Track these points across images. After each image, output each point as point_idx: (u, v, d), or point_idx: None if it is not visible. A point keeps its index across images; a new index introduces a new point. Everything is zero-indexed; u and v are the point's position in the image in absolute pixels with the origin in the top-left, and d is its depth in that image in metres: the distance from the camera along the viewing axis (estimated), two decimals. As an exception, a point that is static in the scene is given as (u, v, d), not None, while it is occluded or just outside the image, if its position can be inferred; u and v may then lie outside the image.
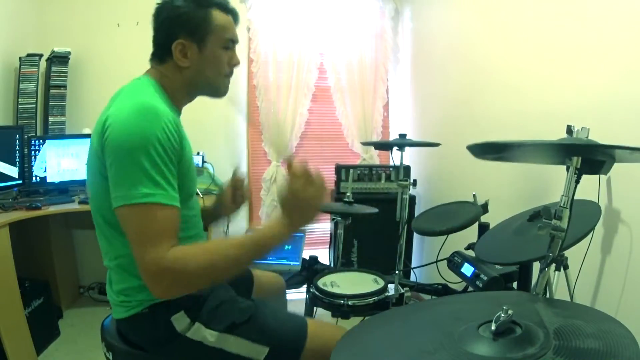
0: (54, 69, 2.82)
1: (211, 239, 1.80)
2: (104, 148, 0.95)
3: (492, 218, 1.77)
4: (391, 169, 3.01)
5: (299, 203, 0.99)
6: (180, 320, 1.07)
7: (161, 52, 1.10)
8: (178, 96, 1.14)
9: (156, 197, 0.91)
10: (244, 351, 1.08)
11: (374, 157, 3.43)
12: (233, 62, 1.17)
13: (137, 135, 0.91)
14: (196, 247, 0.97)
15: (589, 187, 1.53)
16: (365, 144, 3.12)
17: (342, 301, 1.56)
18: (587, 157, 0.94)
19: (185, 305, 1.08)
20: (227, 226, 3.15)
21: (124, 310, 1.08)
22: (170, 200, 0.94)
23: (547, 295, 1.17)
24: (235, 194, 1.40)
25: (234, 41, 1.16)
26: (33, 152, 2.61)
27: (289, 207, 1.00)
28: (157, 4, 1.10)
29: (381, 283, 1.71)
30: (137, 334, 1.11)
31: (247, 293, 1.42)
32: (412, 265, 3.02)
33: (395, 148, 2.02)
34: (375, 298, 1.61)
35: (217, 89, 1.17)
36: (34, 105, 2.75)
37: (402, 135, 2.02)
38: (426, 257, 3.14)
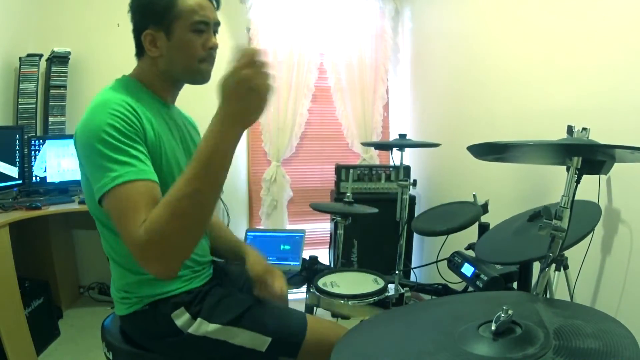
0: (54, 69, 2.82)
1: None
2: (77, 153, 1.00)
3: (492, 218, 1.77)
4: (391, 169, 3.01)
5: (238, 82, 0.82)
6: (181, 317, 1.08)
7: (138, 46, 1.10)
8: (159, 86, 1.13)
9: (125, 175, 0.89)
10: (247, 342, 1.09)
11: (374, 157, 3.43)
12: (208, 45, 1.08)
13: (90, 128, 0.93)
14: (156, 207, 0.86)
15: (589, 187, 1.53)
16: (365, 144, 3.12)
17: (342, 301, 1.56)
18: (588, 157, 0.94)
19: (185, 301, 1.09)
20: (228, 225, 3.16)
21: (125, 307, 1.09)
22: (141, 175, 0.90)
23: (547, 295, 1.17)
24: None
25: (206, 22, 1.06)
26: (33, 152, 2.61)
27: (227, 89, 0.84)
28: None
29: (381, 283, 1.71)
30: (138, 330, 1.11)
31: (249, 292, 1.42)
32: (412, 266, 3.02)
33: (395, 148, 2.02)
34: (375, 298, 1.61)
35: (195, 76, 1.11)
36: (34, 106, 2.75)
37: (402, 136, 2.03)
38: (426, 257, 3.14)
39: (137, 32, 1.07)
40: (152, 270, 0.87)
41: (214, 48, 1.10)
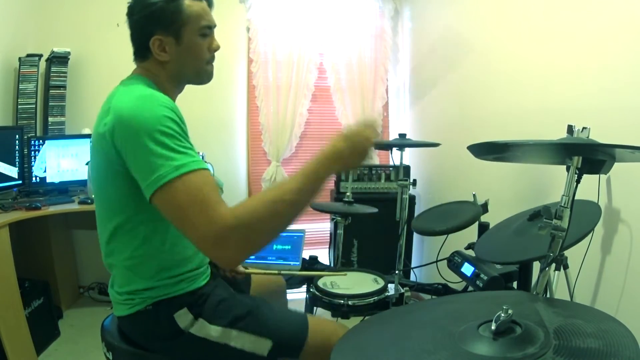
0: (53, 69, 2.82)
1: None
2: (115, 144, 0.94)
3: (492, 218, 1.77)
4: (391, 168, 3.01)
5: (363, 143, 1.00)
6: (183, 317, 1.07)
7: (142, 51, 1.10)
8: (167, 89, 1.14)
9: (188, 165, 0.90)
10: (248, 345, 1.08)
11: (374, 157, 3.43)
12: (213, 47, 1.15)
13: (147, 118, 0.92)
14: (253, 200, 0.93)
15: (589, 186, 1.53)
16: (365, 144, 3.12)
17: (342, 301, 1.56)
18: (588, 156, 0.94)
19: (187, 302, 1.09)
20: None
21: (127, 307, 1.09)
22: (202, 165, 0.93)
23: (547, 295, 1.17)
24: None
25: (210, 27, 1.12)
26: (33, 152, 2.61)
27: (353, 141, 1.00)
28: (128, 2, 1.09)
29: (381, 283, 1.71)
30: (139, 331, 1.11)
31: (246, 291, 1.42)
32: (412, 265, 3.02)
33: (395, 148, 2.02)
34: (375, 298, 1.61)
35: (202, 77, 1.16)
36: (34, 106, 2.74)
37: (402, 135, 2.03)
38: (426, 257, 3.14)
39: (144, 38, 1.07)
40: (223, 257, 0.90)
41: (217, 50, 1.16)
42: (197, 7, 1.08)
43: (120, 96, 0.99)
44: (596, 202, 1.47)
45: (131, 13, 1.08)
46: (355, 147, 0.99)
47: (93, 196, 1.31)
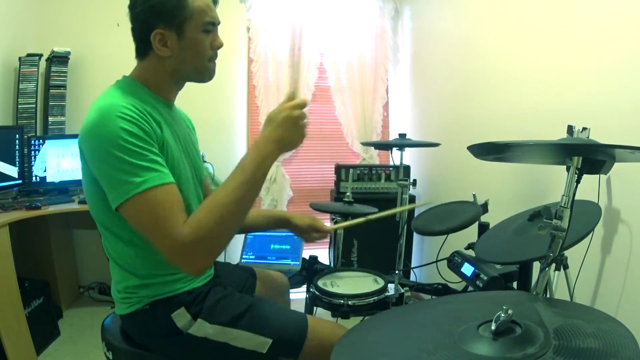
0: (53, 69, 2.82)
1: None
2: (84, 154, 0.99)
3: (492, 218, 1.77)
4: (391, 168, 3.01)
5: (287, 117, 1.02)
6: (181, 317, 1.07)
7: (142, 46, 1.08)
8: (165, 87, 1.13)
9: (150, 181, 0.91)
10: (248, 344, 1.09)
11: (374, 157, 3.43)
12: (216, 45, 1.12)
13: (102, 133, 0.93)
14: (201, 210, 0.95)
15: (589, 186, 1.53)
16: (365, 144, 3.12)
17: (342, 301, 1.56)
18: (588, 157, 0.94)
19: (185, 301, 1.09)
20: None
21: (126, 306, 1.09)
22: (164, 179, 0.94)
23: (547, 295, 1.17)
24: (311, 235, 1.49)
25: (214, 23, 1.10)
26: (33, 152, 2.61)
27: (276, 119, 1.02)
28: None
29: (381, 283, 1.71)
30: (139, 330, 1.11)
31: (250, 292, 1.42)
32: (412, 265, 3.02)
33: (395, 148, 2.02)
34: (375, 298, 1.61)
35: (203, 74, 1.14)
36: (34, 105, 2.74)
37: (402, 135, 2.02)
38: (426, 257, 3.14)
39: (145, 32, 1.05)
40: (188, 268, 0.95)
41: (220, 47, 1.13)
42: (201, 3, 1.06)
43: (91, 107, 0.99)
44: (596, 202, 1.47)
45: (133, 5, 1.06)
46: (282, 124, 1.02)
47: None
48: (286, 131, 1.02)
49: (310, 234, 1.47)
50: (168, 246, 0.91)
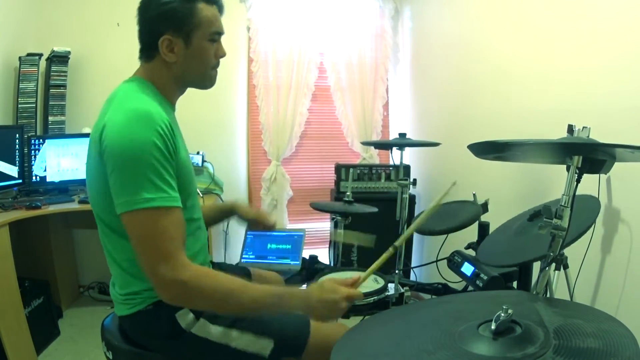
0: (53, 68, 2.82)
1: (211, 240, 1.85)
2: (103, 155, 0.97)
3: (492, 217, 1.77)
4: (391, 168, 3.01)
5: (332, 295, 1.02)
6: (184, 317, 1.08)
7: (148, 49, 1.10)
8: (169, 91, 1.15)
9: (157, 200, 0.93)
10: (250, 346, 1.09)
11: (374, 157, 3.43)
12: (219, 54, 1.16)
13: (135, 142, 0.94)
14: (221, 275, 0.99)
15: (589, 186, 1.53)
16: (365, 143, 3.13)
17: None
18: (588, 156, 0.94)
19: None
20: (227, 226, 3.16)
21: (128, 307, 1.09)
22: (172, 202, 0.96)
23: (547, 295, 1.17)
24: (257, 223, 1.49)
25: (220, 33, 1.14)
26: (33, 151, 2.61)
27: (324, 291, 1.03)
28: (141, 0, 1.09)
29: (381, 282, 1.71)
30: (140, 330, 1.11)
31: None
32: (412, 265, 3.02)
33: (395, 147, 2.02)
34: (375, 297, 1.61)
35: (205, 81, 1.17)
36: (34, 105, 2.74)
37: (402, 135, 2.02)
38: (426, 256, 3.14)
39: (154, 36, 1.07)
40: (164, 295, 0.96)
41: (223, 56, 1.18)
42: (209, 13, 1.10)
43: (116, 109, 1.00)
44: (596, 196, 1.47)
45: (144, 10, 1.08)
46: (325, 300, 1.02)
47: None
48: (323, 309, 1.03)
49: (257, 225, 1.47)
50: (160, 272, 0.92)
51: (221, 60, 1.18)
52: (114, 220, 1.02)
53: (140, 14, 1.09)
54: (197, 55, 1.11)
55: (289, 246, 2.63)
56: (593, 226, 1.36)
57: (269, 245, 2.64)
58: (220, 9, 1.15)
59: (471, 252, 1.76)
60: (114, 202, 0.95)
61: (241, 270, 1.48)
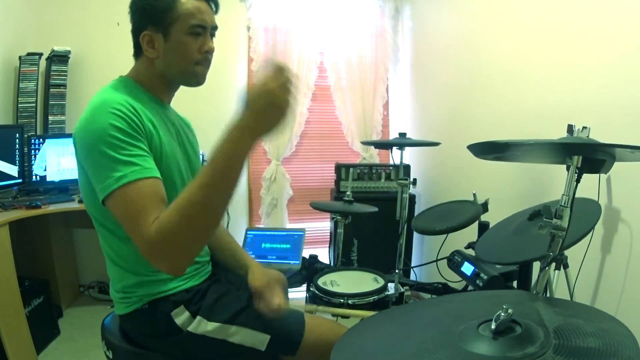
0: (53, 68, 2.82)
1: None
2: (77, 151, 0.99)
3: (492, 217, 1.77)
4: (391, 167, 3.01)
5: (262, 95, 0.85)
6: (180, 315, 1.08)
7: (135, 47, 1.11)
8: (156, 89, 1.14)
9: (129, 175, 0.90)
10: (247, 340, 1.09)
11: (374, 156, 3.43)
12: (204, 49, 1.09)
13: (92, 129, 0.94)
14: (169, 209, 0.87)
15: (589, 186, 1.53)
16: (365, 143, 3.13)
17: (342, 300, 1.56)
18: (588, 156, 0.94)
19: (185, 299, 1.09)
20: (227, 225, 3.16)
21: (125, 306, 1.09)
22: (145, 173, 0.92)
23: (547, 294, 1.17)
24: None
25: (203, 27, 1.07)
26: (33, 151, 2.61)
27: (250, 100, 0.85)
28: None
29: (381, 282, 1.71)
30: (138, 329, 1.11)
31: (247, 289, 1.42)
32: (412, 264, 3.02)
33: (395, 147, 2.02)
34: (375, 297, 1.61)
35: (189, 78, 1.12)
36: (34, 104, 2.74)
37: (402, 134, 2.03)
38: (426, 256, 3.14)
39: (136, 33, 1.08)
40: (160, 268, 0.90)
41: (209, 52, 1.11)
42: (191, 6, 1.05)
43: (85, 109, 1.00)
44: (596, 200, 1.47)
45: (130, 7, 1.09)
46: (261, 103, 0.85)
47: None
48: (261, 112, 0.85)
49: (260, 298, 1.14)
50: (139, 244, 0.87)
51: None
52: (102, 215, 1.03)
53: (130, 11, 1.09)
54: (177, 50, 1.06)
55: (288, 246, 2.63)
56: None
57: (269, 245, 2.65)
58: (210, 3, 1.10)
59: (471, 252, 1.76)
60: (98, 196, 0.94)
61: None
